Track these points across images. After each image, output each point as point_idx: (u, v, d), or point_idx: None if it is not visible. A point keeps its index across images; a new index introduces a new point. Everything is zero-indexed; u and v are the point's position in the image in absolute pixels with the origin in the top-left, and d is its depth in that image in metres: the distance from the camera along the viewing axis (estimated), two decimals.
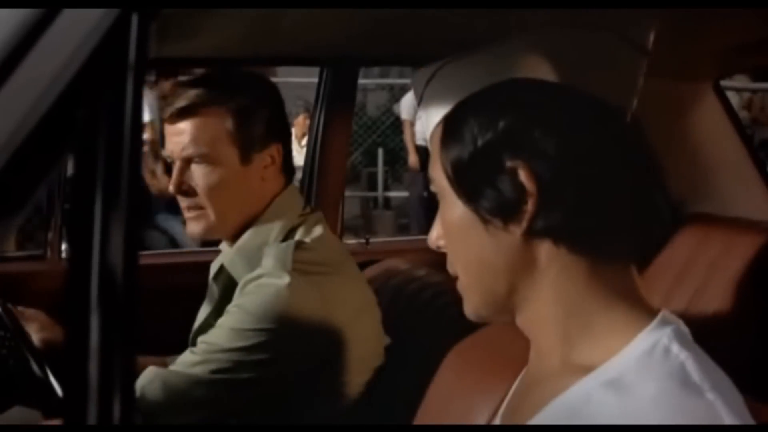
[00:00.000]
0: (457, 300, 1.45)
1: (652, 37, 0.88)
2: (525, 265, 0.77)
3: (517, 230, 0.75)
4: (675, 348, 0.71)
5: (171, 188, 1.41)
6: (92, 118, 0.52)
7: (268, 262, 1.36)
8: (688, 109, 2.01)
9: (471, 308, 0.83)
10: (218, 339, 1.31)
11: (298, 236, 1.43)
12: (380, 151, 7.76)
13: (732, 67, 2.09)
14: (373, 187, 7.74)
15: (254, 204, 1.45)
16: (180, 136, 1.39)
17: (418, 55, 2.04)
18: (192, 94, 1.38)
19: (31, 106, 0.50)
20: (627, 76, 0.87)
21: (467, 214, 0.79)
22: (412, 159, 6.71)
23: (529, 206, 0.74)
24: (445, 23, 1.31)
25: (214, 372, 1.29)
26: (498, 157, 0.75)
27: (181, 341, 1.61)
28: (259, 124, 1.42)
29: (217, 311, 1.43)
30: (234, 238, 1.45)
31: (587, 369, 0.74)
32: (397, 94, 8.16)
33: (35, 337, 1.40)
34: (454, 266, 0.84)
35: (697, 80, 1.98)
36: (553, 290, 0.77)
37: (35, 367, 1.20)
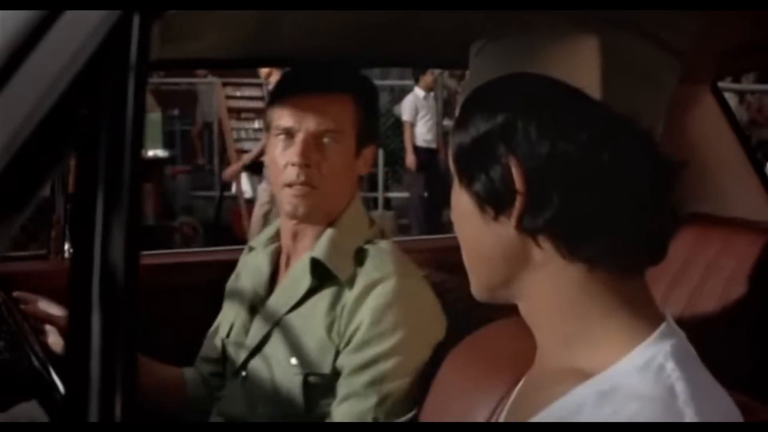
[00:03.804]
0: (458, 300, 1.45)
1: (688, 41, 0.88)
2: (521, 260, 0.77)
3: (509, 224, 0.76)
4: (670, 366, 0.70)
5: (298, 159, 1.36)
6: (94, 118, 0.53)
7: (384, 266, 1.37)
8: (686, 110, 2.01)
9: (474, 289, 0.85)
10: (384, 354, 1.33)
11: (376, 238, 1.44)
12: (380, 152, 7.75)
13: (730, 68, 2.09)
14: (373, 187, 7.73)
15: (346, 198, 1.44)
16: (315, 110, 1.37)
17: (418, 56, 2.04)
18: (324, 75, 1.39)
19: (34, 106, 0.50)
20: (659, 78, 0.87)
21: (469, 201, 0.80)
22: (410, 159, 6.73)
23: (518, 203, 0.75)
24: (445, 23, 1.31)
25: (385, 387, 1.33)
26: (494, 147, 0.76)
27: (187, 341, 1.61)
28: (371, 121, 1.45)
29: (297, 304, 1.41)
30: (319, 231, 1.43)
31: (586, 375, 0.74)
32: (397, 95, 8.14)
33: (42, 316, 1.39)
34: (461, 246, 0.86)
35: (695, 81, 1.98)
36: (550, 289, 0.77)
37: (37, 364, 1.21)
